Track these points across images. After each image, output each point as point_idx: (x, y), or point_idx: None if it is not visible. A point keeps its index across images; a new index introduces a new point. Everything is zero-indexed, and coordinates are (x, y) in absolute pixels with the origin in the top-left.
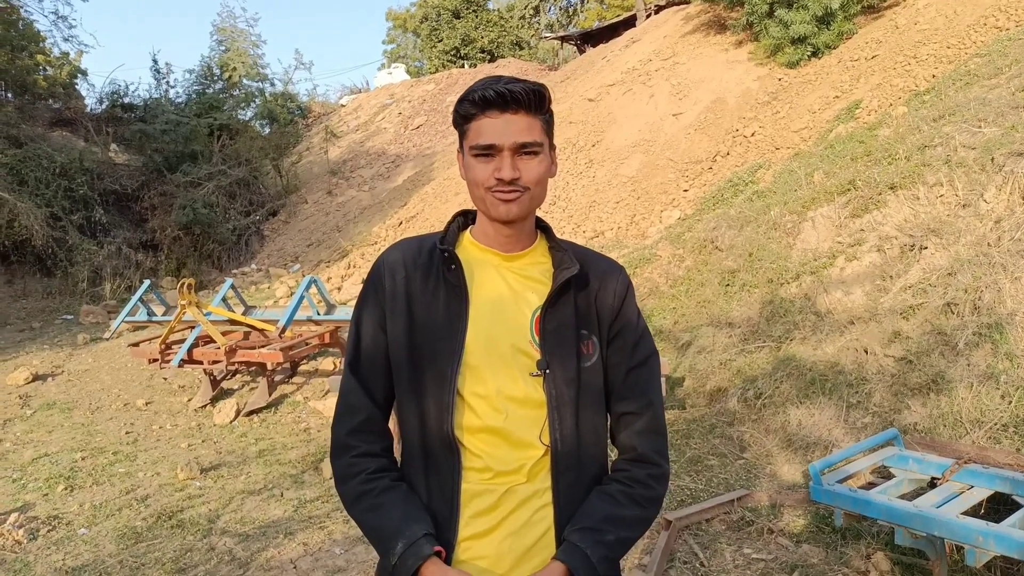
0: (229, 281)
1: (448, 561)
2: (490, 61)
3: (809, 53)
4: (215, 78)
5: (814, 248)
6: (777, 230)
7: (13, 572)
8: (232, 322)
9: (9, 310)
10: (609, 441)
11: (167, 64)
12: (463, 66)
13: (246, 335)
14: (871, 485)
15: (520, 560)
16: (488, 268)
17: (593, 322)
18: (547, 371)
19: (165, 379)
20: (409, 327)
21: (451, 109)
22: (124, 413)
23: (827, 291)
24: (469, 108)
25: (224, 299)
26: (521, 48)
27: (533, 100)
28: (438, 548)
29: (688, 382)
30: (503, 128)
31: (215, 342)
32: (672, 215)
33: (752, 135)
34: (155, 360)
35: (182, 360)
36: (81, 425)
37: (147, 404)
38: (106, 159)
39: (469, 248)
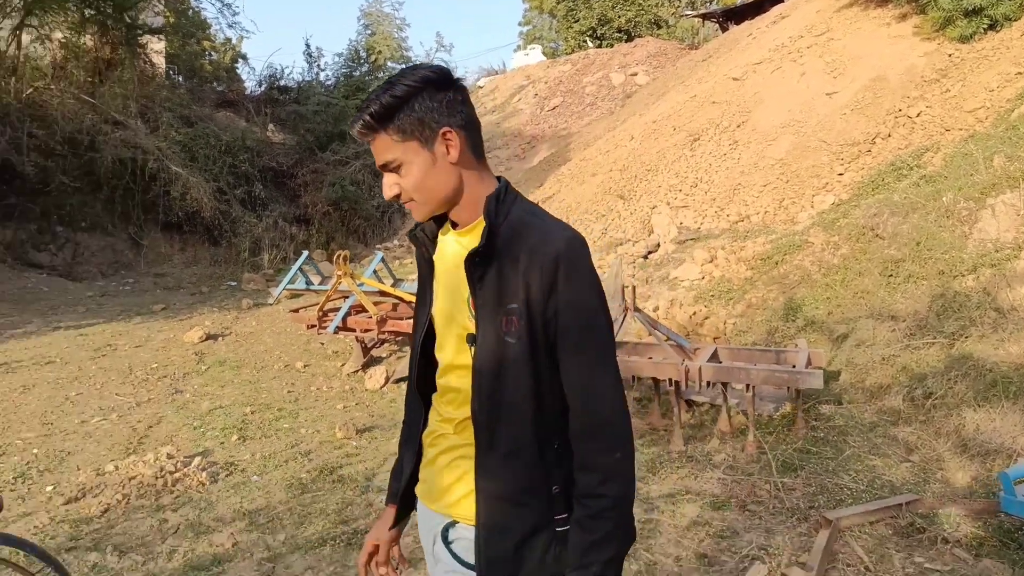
0: (379, 254)
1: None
2: (627, 40)
3: (985, 26)
4: (362, 61)
5: (994, 239)
6: (950, 218)
7: (199, 510)
8: (382, 293)
9: (182, 275)
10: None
11: (318, 48)
12: (599, 46)
13: (395, 306)
14: None
15: (438, 494)
16: (450, 243)
17: (520, 298)
18: (474, 344)
19: (322, 344)
20: (419, 296)
21: (586, 90)
22: (286, 373)
23: (1011, 286)
24: None
25: (375, 271)
26: (659, 27)
27: (374, 122)
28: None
29: (844, 376)
30: (374, 152)
31: (367, 312)
32: (825, 200)
33: (918, 115)
34: (313, 326)
35: (337, 327)
36: (248, 382)
37: (305, 366)
38: (264, 138)
39: (448, 225)
